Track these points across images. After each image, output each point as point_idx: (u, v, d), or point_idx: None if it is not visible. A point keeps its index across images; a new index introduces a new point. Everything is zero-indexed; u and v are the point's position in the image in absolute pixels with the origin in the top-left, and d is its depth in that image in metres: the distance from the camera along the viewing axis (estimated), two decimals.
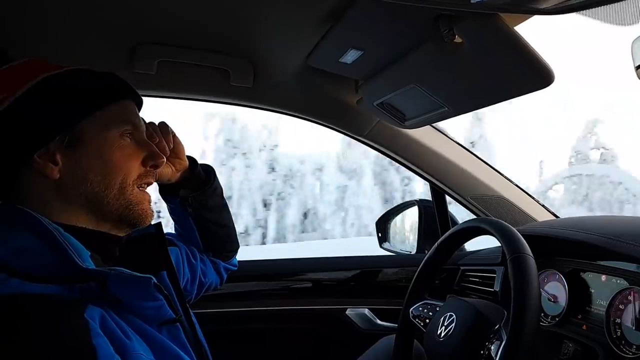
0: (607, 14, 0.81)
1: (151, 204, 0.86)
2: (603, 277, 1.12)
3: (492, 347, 0.97)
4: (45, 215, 0.73)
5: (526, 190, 1.59)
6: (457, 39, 0.86)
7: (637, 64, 0.76)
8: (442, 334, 1.07)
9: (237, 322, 1.51)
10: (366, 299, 1.61)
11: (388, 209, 1.95)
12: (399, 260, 1.69)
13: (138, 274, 0.71)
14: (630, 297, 1.03)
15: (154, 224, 0.96)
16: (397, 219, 1.89)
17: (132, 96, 0.86)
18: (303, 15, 0.99)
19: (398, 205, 1.91)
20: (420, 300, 1.25)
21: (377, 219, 1.93)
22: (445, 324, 1.08)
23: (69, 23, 1.06)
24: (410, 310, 1.25)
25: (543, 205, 1.60)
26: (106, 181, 0.78)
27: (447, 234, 1.23)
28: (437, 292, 1.54)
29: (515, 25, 0.83)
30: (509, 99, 0.94)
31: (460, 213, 1.79)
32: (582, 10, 0.72)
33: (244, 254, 1.35)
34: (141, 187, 0.84)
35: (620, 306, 1.05)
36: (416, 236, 1.75)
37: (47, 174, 0.74)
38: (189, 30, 1.12)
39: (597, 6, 0.72)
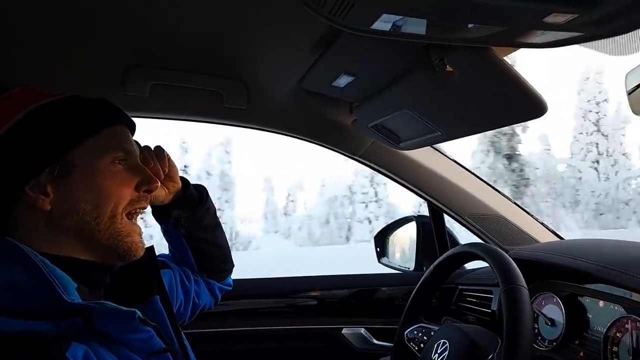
0: (600, 46, 0.80)
1: (141, 236, 0.85)
2: (601, 303, 1.10)
3: None
4: (34, 246, 0.72)
5: (528, 210, 1.57)
6: (448, 68, 0.85)
7: (629, 89, 0.75)
8: None
9: (231, 341, 1.51)
10: (363, 318, 1.60)
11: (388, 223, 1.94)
12: (395, 278, 1.68)
13: (122, 308, 0.70)
14: (628, 326, 1.01)
15: (147, 247, 0.95)
16: (396, 234, 1.88)
17: (124, 121, 0.85)
18: (296, 40, 0.98)
19: (397, 220, 1.89)
20: (416, 323, 1.25)
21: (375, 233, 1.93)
22: (439, 351, 1.07)
23: (62, 48, 1.05)
24: (406, 332, 1.24)
25: (545, 226, 1.58)
26: (97, 210, 0.77)
27: (442, 257, 1.22)
28: (434, 311, 1.53)
29: (506, 55, 0.82)
30: (502, 127, 0.93)
31: (460, 229, 1.77)
32: (571, 44, 0.71)
33: None
34: (131, 215, 0.83)
35: (618, 334, 1.03)
36: (414, 253, 1.74)
37: (38, 206, 0.74)
38: (182, 54, 1.11)
39: (589, 41, 0.71)
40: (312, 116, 1.33)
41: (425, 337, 1.19)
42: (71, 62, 1.11)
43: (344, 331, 1.56)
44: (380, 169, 1.45)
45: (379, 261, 1.88)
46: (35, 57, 1.07)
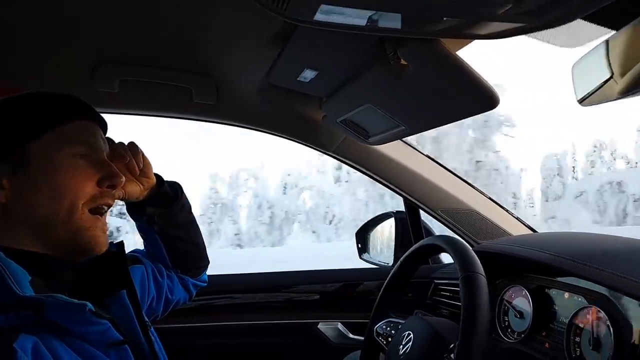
0: (549, 37, 0.81)
1: (105, 231, 0.85)
2: (566, 295, 1.11)
3: None
4: None
5: (500, 204, 1.58)
6: (403, 62, 0.86)
7: (578, 97, 0.76)
8: (401, 353, 1.07)
9: (207, 336, 1.51)
10: (340, 313, 1.61)
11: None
12: (371, 273, 1.69)
13: (74, 301, 0.71)
14: (589, 316, 1.02)
15: (116, 243, 0.96)
16: (376, 230, 1.89)
17: (89, 116, 0.86)
18: (257, 35, 0.99)
19: (377, 217, 1.90)
20: (385, 318, 1.25)
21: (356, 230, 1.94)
22: (403, 342, 1.09)
23: (31, 43, 1.06)
24: (375, 328, 1.25)
25: (519, 220, 1.60)
26: (53, 204, 0.77)
27: (408, 251, 1.23)
28: (408, 305, 1.55)
29: (458, 49, 0.83)
30: (458, 119, 0.94)
31: (438, 224, 1.79)
32: (520, 34, 0.72)
33: None
34: (97, 210, 0.83)
35: (580, 325, 1.04)
36: (393, 248, 1.75)
37: None
38: (150, 49, 1.12)
39: (534, 32, 0.71)
40: (282, 112, 1.34)
41: (393, 331, 1.20)
42: (40, 58, 1.12)
43: (319, 326, 1.57)
44: (354, 165, 1.46)
45: (360, 257, 1.89)
46: (4, 54, 1.07)
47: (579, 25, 0.76)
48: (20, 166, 0.76)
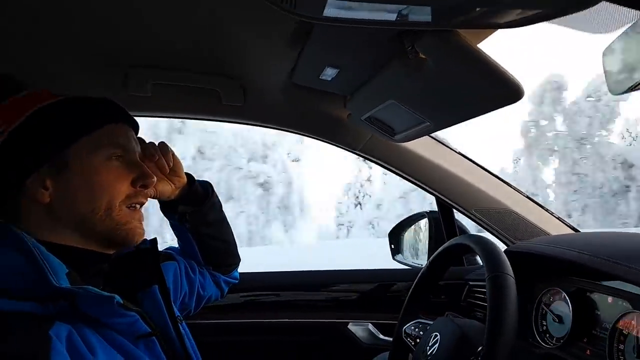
0: (573, 23, 0.76)
1: (142, 222, 0.89)
2: (609, 299, 1.05)
3: None
4: (35, 234, 0.78)
5: (540, 203, 1.51)
6: (421, 55, 0.84)
7: (609, 85, 0.71)
8: (428, 354, 1.05)
9: (237, 333, 1.53)
10: (371, 313, 1.59)
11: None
12: (403, 274, 1.66)
13: (103, 293, 0.74)
14: (634, 322, 0.96)
15: (150, 240, 1.00)
16: (410, 230, 1.86)
17: (123, 119, 0.90)
18: (277, 34, 0.99)
19: (410, 217, 1.87)
20: (414, 319, 1.23)
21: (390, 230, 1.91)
22: (430, 343, 1.06)
23: (67, 51, 1.11)
24: (404, 328, 1.23)
25: (561, 219, 1.52)
26: (92, 204, 0.82)
27: (437, 251, 1.20)
28: (441, 307, 1.51)
29: (480, 42, 0.80)
30: (482, 114, 0.90)
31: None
32: (539, 22, 0.69)
33: None
34: (131, 207, 0.87)
35: (624, 331, 0.98)
36: (427, 249, 1.72)
37: (38, 199, 0.79)
38: (180, 54, 1.15)
39: (555, 18, 0.68)
40: (308, 111, 1.34)
41: (421, 332, 1.18)
42: (76, 66, 1.17)
43: (350, 326, 1.55)
44: (382, 163, 1.44)
45: (394, 258, 1.86)
46: (41, 62, 1.13)
47: (610, 8, 0.72)
48: (62, 168, 0.81)
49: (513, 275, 0.91)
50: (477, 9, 0.66)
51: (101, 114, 0.87)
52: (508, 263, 0.94)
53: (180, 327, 0.95)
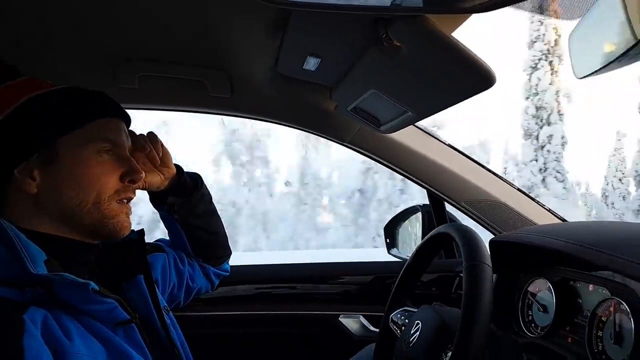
0: (544, 9, 0.77)
1: (129, 215, 0.90)
2: (590, 287, 1.05)
3: (449, 355, 0.94)
4: (18, 223, 0.78)
5: (528, 193, 1.51)
6: (396, 42, 0.85)
7: (574, 67, 0.72)
8: (410, 342, 1.05)
9: (228, 326, 1.54)
10: (362, 305, 1.59)
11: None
12: (394, 266, 1.66)
13: (79, 280, 0.75)
14: (611, 309, 0.96)
15: (137, 231, 1.01)
16: (404, 224, 1.86)
17: (115, 113, 0.90)
18: (258, 24, 1.01)
19: (404, 211, 1.87)
20: (401, 306, 1.24)
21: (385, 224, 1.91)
22: (412, 331, 1.07)
23: (56, 42, 1.13)
24: (391, 316, 1.24)
25: (550, 210, 1.52)
26: (80, 197, 0.82)
27: (422, 240, 1.21)
28: (431, 299, 1.50)
29: (453, 30, 0.81)
30: (459, 101, 0.91)
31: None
32: (504, 6, 0.69)
33: None
34: (120, 202, 0.88)
35: (603, 318, 0.98)
36: (420, 242, 1.72)
37: (25, 189, 0.80)
38: (165, 46, 1.17)
39: (516, 2, 0.68)
40: (295, 103, 1.35)
41: (407, 320, 1.18)
42: (66, 57, 1.19)
43: (341, 318, 1.56)
44: (371, 155, 1.45)
45: (389, 252, 1.86)
46: (29, 53, 1.14)
47: None
48: (51, 159, 0.81)
49: (490, 265, 0.91)
50: None
51: (95, 107, 0.87)
52: (487, 252, 0.94)
53: (166, 317, 0.96)
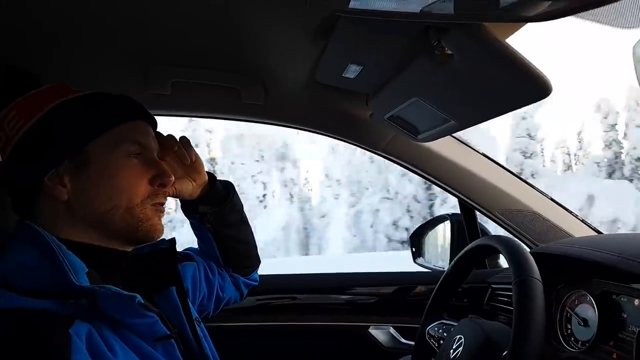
0: (605, 17, 0.75)
1: (161, 218, 0.88)
2: (636, 302, 1.02)
3: None
4: (54, 232, 0.77)
5: (563, 205, 1.49)
6: (447, 51, 0.83)
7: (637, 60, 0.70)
8: (451, 357, 1.03)
9: (257, 336, 1.52)
10: (392, 317, 1.57)
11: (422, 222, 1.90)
12: (424, 277, 1.64)
13: (124, 292, 0.74)
14: None
15: (168, 240, 0.99)
16: (431, 233, 1.84)
17: (142, 116, 0.89)
18: (299, 32, 0.99)
19: (431, 219, 1.86)
20: (438, 320, 1.22)
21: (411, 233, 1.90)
22: (454, 346, 1.04)
23: (88, 48, 1.12)
24: (427, 329, 1.22)
25: (583, 221, 1.50)
26: (112, 202, 0.81)
27: (462, 251, 1.19)
28: (464, 311, 1.49)
29: (507, 37, 0.79)
30: (509, 111, 0.89)
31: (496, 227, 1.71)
32: (564, 16, 0.67)
33: None
34: (154, 206, 0.86)
35: None
36: (448, 252, 1.70)
37: (56, 196, 0.79)
38: (199, 51, 1.15)
39: (587, 9, 0.66)
40: (329, 111, 1.33)
41: (445, 334, 1.16)
42: (97, 62, 1.17)
43: (371, 329, 1.54)
44: (404, 164, 1.43)
45: (415, 261, 1.84)
46: (66, 58, 1.14)
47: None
48: (81, 165, 0.80)
49: (540, 279, 0.89)
50: (506, 2, 0.65)
51: (121, 110, 0.86)
52: (535, 266, 0.92)
53: (198, 329, 0.94)
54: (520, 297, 0.87)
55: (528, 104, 0.84)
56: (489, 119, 0.97)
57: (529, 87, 0.79)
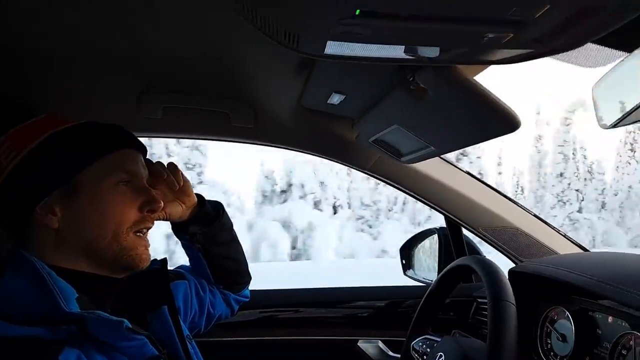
0: (569, 58, 0.79)
1: (147, 248, 0.90)
2: (610, 319, 1.07)
3: None
4: (45, 259, 0.80)
5: (547, 222, 1.53)
6: (422, 86, 0.87)
7: (605, 122, 0.74)
8: None
9: (247, 350, 1.55)
10: (381, 330, 1.60)
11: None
12: (412, 291, 1.68)
13: (112, 318, 0.76)
14: (632, 342, 0.98)
15: (160, 260, 1.02)
16: (420, 246, 1.87)
17: (131, 144, 0.91)
18: (285, 61, 1.03)
19: (420, 233, 1.89)
20: (422, 335, 1.25)
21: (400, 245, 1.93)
22: None
23: (82, 76, 1.15)
24: (412, 344, 1.25)
25: (567, 237, 1.53)
26: (100, 229, 0.83)
27: (445, 269, 1.23)
28: (449, 324, 1.52)
29: (476, 74, 0.83)
30: (483, 141, 0.93)
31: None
32: (531, 60, 0.72)
33: None
34: (138, 233, 0.88)
35: (623, 351, 1.00)
36: (436, 265, 1.73)
37: (47, 224, 0.81)
38: (189, 78, 1.19)
39: (543, 57, 0.71)
40: (317, 132, 1.37)
41: (428, 349, 1.20)
42: (91, 89, 1.21)
43: (360, 343, 1.57)
44: (390, 182, 1.47)
45: (405, 274, 1.88)
46: (59, 87, 1.18)
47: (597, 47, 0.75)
48: (72, 193, 0.82)
49: (514, 303, 0.94)
50: (475, 48, 0.69)
51: (110, 140, 0.88)
52: (510, 289, 0.96)
53: (190, 347, 0.97)
54: (494, 320, 0.91)
55: (499, 136, 0.88)
56: (466, 147, 1.01)
57: (498, 121, 0.84)
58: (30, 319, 0.72)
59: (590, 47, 0.72)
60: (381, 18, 0.57)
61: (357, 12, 0.56)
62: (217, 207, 1.18)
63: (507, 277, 1.02)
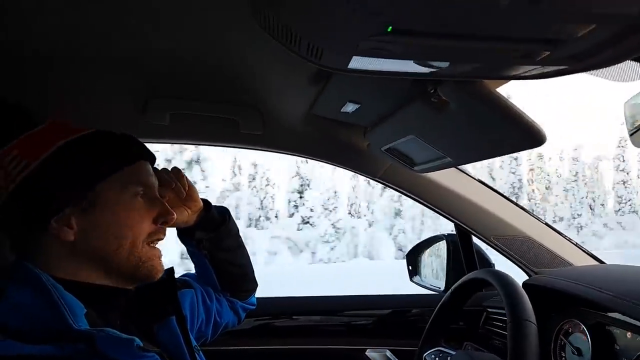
0: (601, 73, 0.77)
1: (161, 259, 0.89)
2: (629, 334, 1.04)
3: None
4: (53, 272, 0.77)
5: (560, 231, 1.50)
6: (444, 98, 0.85)
7: (630, 130, 0.71)
8: None
9: (254, 359, 1.53)
10: (389, 339, 1.59)
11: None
12: (421, 300, 1.66)
13: (122, 336, 0.74)
14: None
15: (167, 269, 1.00)
16: (427, 253, 1.85)
17: (145, 156, 0.90)
18: (301, 70, 1.00)
19: (428, 239, 1.86)
20: (435, 346, 1.23)
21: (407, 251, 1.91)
22: None
23: (88, 82, 1.13)
24: (424, 355, 1.23)
25: (580, 247, 1.51)
26: (117, 242, 0.81)
27: (460, 281, 1.21)
28: (459, 334, 1.50)
29: (498, 87, 0.81)
30: (503, 154, 0.91)
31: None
32: (560, 76, 0.69)
33: None
34: (152, 244, 0.87)
35: None
36: (444, 272, 1.71)
37: (62, 237, 0.78)
38: (197, 84, 1.16)
39: (577, 73, 0.68)
40: (327, 140, 1.35)
41: None
42: (97, 96, 1.18)
43: (367, 352, 1.55)
44: (401, 190, 1.44)
45: (411, 280, 1.85)
46: (60, 86, 1.14)
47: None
48: (88, 206, 0.79)
49: (535, 322, 0.91)
50: (506, 65, 0.66)
51: (126, 152, 0.86)
52: (530, 307, 0.93)
53: (198, 357, 0.95)
54: (515, 339, 0.88)
55: (523, 150, 0.85)
56: (485, 159, 0.98)
57: (522, 135, 0.81)
58: (37, 336, 0.70)
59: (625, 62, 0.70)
60: (414, 36, 0.54)
61: (389, 29, 0.53)
62: (223, 212, 1.16)
63: (524, 292, 0.99)
